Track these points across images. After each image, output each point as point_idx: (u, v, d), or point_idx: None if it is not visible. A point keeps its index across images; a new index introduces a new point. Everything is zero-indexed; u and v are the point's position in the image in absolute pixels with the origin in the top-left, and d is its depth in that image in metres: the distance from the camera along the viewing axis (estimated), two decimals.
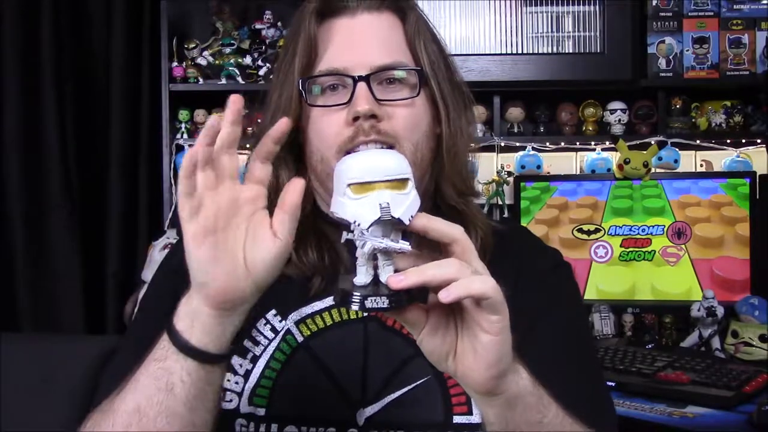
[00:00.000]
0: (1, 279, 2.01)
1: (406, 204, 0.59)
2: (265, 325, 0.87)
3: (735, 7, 2.15)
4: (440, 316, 0.62)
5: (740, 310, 1.88)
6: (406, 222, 0.58)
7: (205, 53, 2.20)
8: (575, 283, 0.96)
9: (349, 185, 0.60)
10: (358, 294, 0.59)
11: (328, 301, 0.87)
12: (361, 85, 0.82)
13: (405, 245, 0.59)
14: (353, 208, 0.58)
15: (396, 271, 0.60)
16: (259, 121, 0.99)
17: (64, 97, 2.07)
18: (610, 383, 1.56)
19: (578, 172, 2.27)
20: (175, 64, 2.17)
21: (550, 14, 2.08)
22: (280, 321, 0.87)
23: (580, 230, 2.05)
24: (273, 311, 0.87)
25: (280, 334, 0.86)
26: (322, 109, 0.85)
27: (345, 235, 0.60)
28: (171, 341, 0.66)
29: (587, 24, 2.07)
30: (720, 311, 1.82)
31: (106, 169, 2.14)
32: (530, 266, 0.91)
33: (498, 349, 0.60)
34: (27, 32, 2.03)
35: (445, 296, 0.57)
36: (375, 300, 0.58)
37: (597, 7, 2.06)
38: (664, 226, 2.00)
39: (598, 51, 2.07)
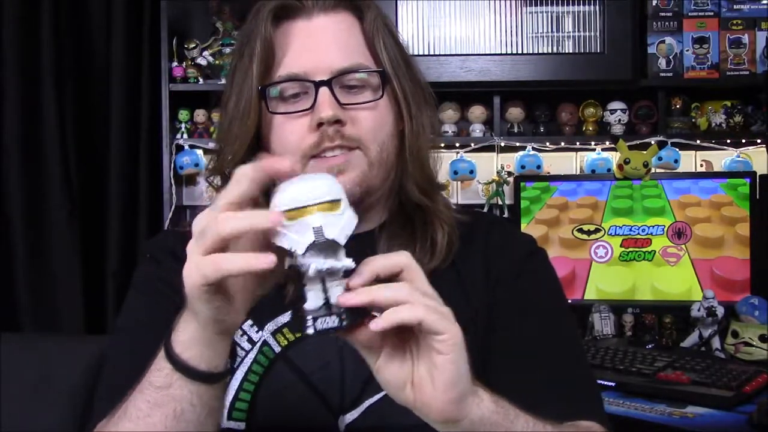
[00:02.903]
0: (1, 279, 2.01)
1: (340, 224, 0.58)
2: (241, 336, 0.85)
3: (735, 7, 2.15)
4: (396, 343, 0.61)
5: (740, 310, 1.88)
6: (342, 242, 0.58)
7: (205, 53, 2.20)
8: (551, 268, 0.95)
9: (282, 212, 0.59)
10: (310, 317, 0.59)
11: None
12: (324, 90, 0.81)
13: (348, 261, 0.59)
14: (288, 236, 0.58)
15: (347, 290, 0.60)
16: None
17: (64, 97, 2.07)
18: (610, 383, 1.57)
19: (578, 172, 2.27)
20: (175, 64, 2.17)
21: (550, 14, 2.07)
22: (257, 332, 0.86)
23: (580, 230, 2.05)
24: (249, 321, 0.86)
25: (257, 345, 0.85)
26: (284, 115, 0.83)
27: (288, 261, 0.59)
28: (175, 369, 0.64)
29: (587, 24, 2.07)
30: (720, 311, 1.82)
31: (106, 169, 2.14)
32: (502, 259, 0.90)
33: (453, 369, 0.59)
34: (27, 32, 2.03)
35: (374, 325, 0.57)
36: (326, 320, 0.59)
37: (597, 7, 2.06)
38: (664, 226, 2.00)
39: (598, 51, 2.06)
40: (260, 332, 0.85)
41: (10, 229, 2.02)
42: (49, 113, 2.04)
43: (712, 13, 2.15)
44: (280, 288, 0.85)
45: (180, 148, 2.19)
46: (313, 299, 0.59)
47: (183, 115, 2.21)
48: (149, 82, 2.18)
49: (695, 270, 1.98)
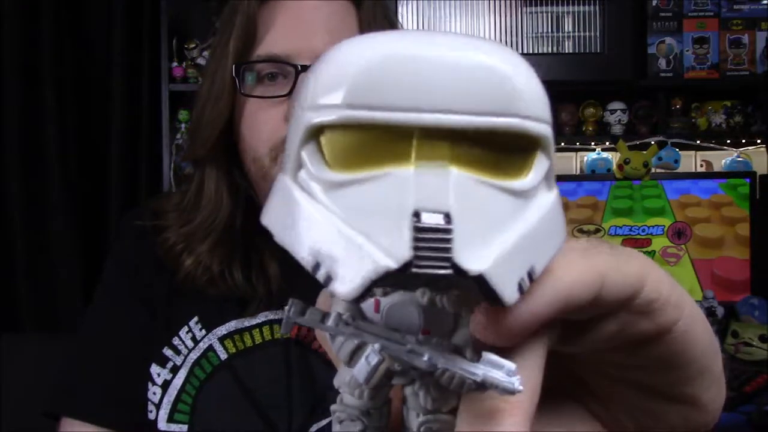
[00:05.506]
0: (1, 278, 2.01)
1: (522, 228, 0.21)
2: (187, 333, 0.79)
3: (735, 7, 2.15)
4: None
5: (740, 310, 1.88)
6: (510, 300, 0.20)
7: (205, 53, 2.20)
8: None
9: (310, 127, 0.20)
10: None
11: (261, 317, 0.79)
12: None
13: (513, 380, 0.20)
14: (323, 220, 0.20)
15: None
16: None
17: (64, 97, 2.08)
18: None
19: (578, 172, 2.27)
20: (175, 64, 2.17)
21: (550, 14, 2.08)
22: (201, 329, 0.79)
23: (580, 230, 2.05)
24: (195, 318, 0.79)
25: (202, 347, 0.78)
26: (259, 101, 0.74)
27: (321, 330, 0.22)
28: None
29: (587, 24, 2.07)
30: (720, 311, 1.82)
31: (107, 169, 2.14)
32: None
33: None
34: (27, 32, 2.03)
35: None
36: None
37: (597, 7, 2.07)
38: (664, 226, 2.00)
39: (598, 51, 2.07)
40: (204, 331, 0.79)
41: (10, 229, 2.02)
42: (49, 113, 2.04)
43: (712, 14, 2.15)
44: (243, 301, 0.79)
45: (180, 148, 2.19)
46: None
47: (183, 115, 2.21)
48: (149, 82, 2.18)
49: (695, 270, 1.98)
